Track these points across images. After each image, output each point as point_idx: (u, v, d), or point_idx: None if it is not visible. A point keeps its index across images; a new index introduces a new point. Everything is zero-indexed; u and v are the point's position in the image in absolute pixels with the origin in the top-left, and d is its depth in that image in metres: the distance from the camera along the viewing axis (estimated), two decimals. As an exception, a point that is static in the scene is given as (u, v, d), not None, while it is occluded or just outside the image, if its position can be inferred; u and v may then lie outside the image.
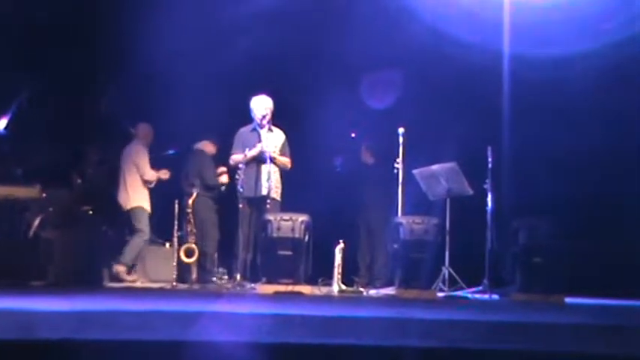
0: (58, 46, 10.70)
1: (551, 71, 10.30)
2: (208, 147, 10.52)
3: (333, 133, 11.00)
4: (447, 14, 10.35)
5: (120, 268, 10.28)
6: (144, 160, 10.55)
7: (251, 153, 9.70)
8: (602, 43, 10.15)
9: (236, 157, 9.83)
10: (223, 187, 10.39)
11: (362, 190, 10.90)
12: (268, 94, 9.93)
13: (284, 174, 10.00)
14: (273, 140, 9.89)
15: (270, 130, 9.90)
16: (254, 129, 9.92)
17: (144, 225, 10.48)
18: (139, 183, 10.54)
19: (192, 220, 9.92)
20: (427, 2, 10.45)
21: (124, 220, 10.62)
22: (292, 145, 10.12)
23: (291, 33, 10.70)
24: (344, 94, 10.76)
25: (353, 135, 11.27)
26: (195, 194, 10.03)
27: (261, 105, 9.86)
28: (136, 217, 10.50)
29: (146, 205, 10.55)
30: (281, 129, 10.03)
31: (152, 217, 10.62)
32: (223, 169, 10.34)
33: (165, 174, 10.60)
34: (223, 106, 10.41)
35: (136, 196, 10.53)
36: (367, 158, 11.06)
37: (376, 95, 11.18)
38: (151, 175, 10.52)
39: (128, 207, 10.52)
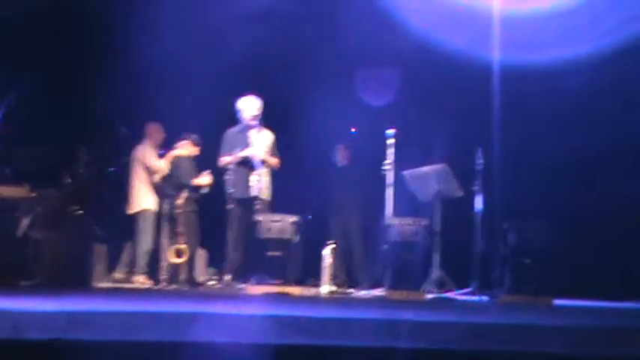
0: (49, 45, 10.68)
1: (540, 74, 10.34)
2: (187, 147, 10.46)
3: (323, 133, 11.01)
4: (437, 16, 10.36)
5: (139, 279, 10.29)
6: (149, 156, 10.51)
7: (242, 154, 9.70)
8: (590, 48, 10.20)
9: (225, 159, 9.82)
10: (206, 190, 10.24)
11: (335, 191, 10.92)
12: (256, 94, 9.93)
13: (274, 175, 10.00)
14: (262, 141, 9.89)
15: (259, 130, 9.89)
16: (242, 130, 9.91)
17: (149, 227, 10.45)
18: (145, 185, 10.51)
19: (181, 221, 9.89)
20: (417, 6, 10.46)
21: (128, 223, 10.61)
22: (282, 146, 10.13)
23: (277, 33, 10.68)
24: (333, 95, 10.77)
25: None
26: (185, 195, 10.00)
27: (251, 106, 9.86)
28: (141, 220, 10.47)
29: (152, 207, 10.51)
30: (269, 129, 10.02)
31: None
32: (207, 172, 10.24)
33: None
34: (213, 106, 10.40)
35: (141, 199, 10.50)
36: (342, 159, 11.07)
37: (372, 92, 11.17)
38: (158, 164, 10.45)
39: (134, 210, 10.50)
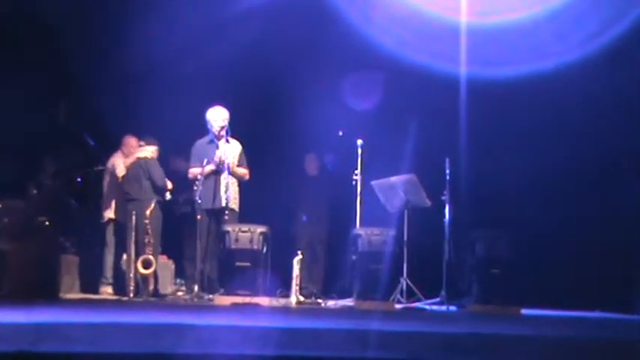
0: (14, 54, 10.59)
1: (507, 84, 10.41)
2: (148, 149, 10.35)
3: (292, 143, 11.03)
4: (404, 28, 10.42)
5: (106, 290, 10.22)
6: (117, 164, 10.44)
7: (210, 167, 9.66)
8: (556, 62, 10.31)
9: (194, 170, 9.77)
10: (168, 194, 10.15)
11: (303, 201, 10.93)
12: (225, 105, 9.90)
13: (242, 185, 9.98)
14: (230, 151, 9.85)
15: (227, 141, 9.85)
16: (211, 141, 9.88)
17: (117, 238, 10.38)
18: (111, 195, 10.43)
19: (149, 231, 9.81)
20: (386, 19, 10.51)
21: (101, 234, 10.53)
22: (251, 156, 10.12)
23: (249, 44, 10.68)
24: (304, 106, 10.76)
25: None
26: (153, 205, 9.92)
27: (219, 116, 9.82)
28: (109, 230, 10.42)
29: (120, 217, 10.39)
30: (237, 140, 9.99)
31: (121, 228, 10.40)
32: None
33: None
34: (183, 116, 10.35)
35: (108, 209, 10.44)
36: (312, 169, 11.09)
37: (356, 96, 11.18)
38: (119, 169, 10.37)
39: (105, 219, 10.45)
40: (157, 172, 9.97)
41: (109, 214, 10.49)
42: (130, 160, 10.20)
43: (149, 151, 10.09)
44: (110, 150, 10.81)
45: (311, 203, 10.97)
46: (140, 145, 10.21)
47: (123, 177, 10.25)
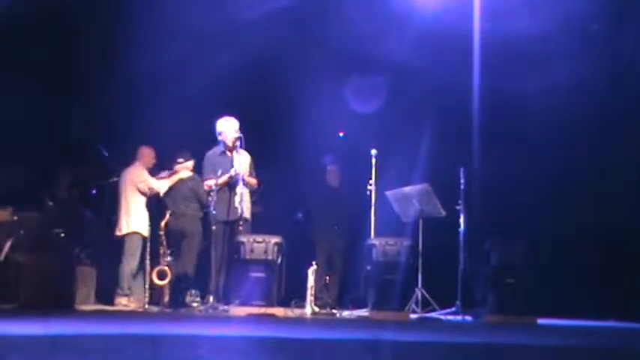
0: (28, 66, 10.65)
1: (521, 94, 10.41)
2: (188, 169, 10.43)
3: (305, 154, 11.04)
4: (418, 39, 10.43)
5: (121, 301, 10.21)
6: (144, 177, 10.41)
7: (223, 178, 9.66)
8: (566, 73, 10.32)
9: (209, 182, 9.78)
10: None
11: (324, 212, 10.90)
12: (237, 115, 9.92)
13: (254, 194, 10.01)
14: (242, 162, 9.86)
15: (238, 152, 9.86)
16: (223, 152, 9.89)
17: (135, 250, 10.31)
18: (138, 207, 10.41)
19: (164, 242, 9.83)
20: (398, 29, 10.53)
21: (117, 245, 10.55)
22: (265, 167, 10.14)
23: (255, 52, 10.72)
24: (316, 117, 10.78)
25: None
26: (167, 216, 9.95)
27: (232, 127, 9.83)
28: (130, 243, 10.37)
29: (143, 231, 10.33)
30: (246, 150, 9.99)
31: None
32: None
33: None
34: (191, 126, 10.39)
35: (133, 222, 10.39)
36: (333, 180, 11.06)
37: (360, 99, 11.19)
38: (158, 184, 10.37)
39: (124, 232, 10.40)
40: (202, 190, 10.06)
41: (132, 226, 10.41)
42: (175, 179, 10.29)
43: (189, 168, 10.19)
44: (124, 160, 10.81)
45: (332, 215, 10.93)
46: (179, 163, 10.28)
47: (165, 193, 10.32)
